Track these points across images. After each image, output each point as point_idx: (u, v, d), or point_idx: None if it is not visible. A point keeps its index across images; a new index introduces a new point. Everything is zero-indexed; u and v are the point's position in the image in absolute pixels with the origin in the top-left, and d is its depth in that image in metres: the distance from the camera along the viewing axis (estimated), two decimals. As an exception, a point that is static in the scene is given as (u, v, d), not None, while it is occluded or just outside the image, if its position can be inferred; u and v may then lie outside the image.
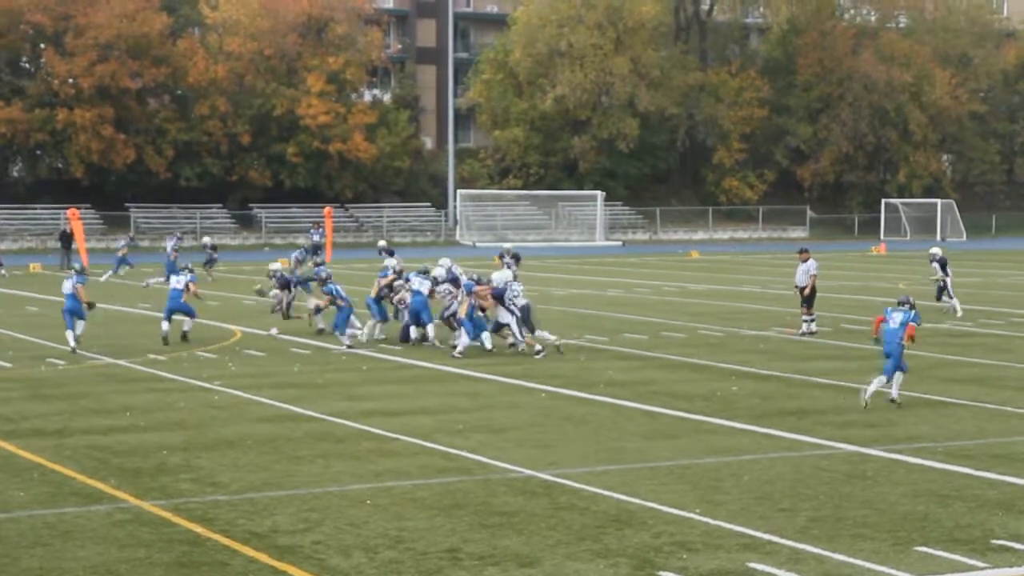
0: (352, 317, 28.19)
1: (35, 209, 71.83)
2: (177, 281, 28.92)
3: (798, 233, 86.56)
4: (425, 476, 15.48)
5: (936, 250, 35.42)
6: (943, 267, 34.45)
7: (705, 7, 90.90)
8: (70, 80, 72.48)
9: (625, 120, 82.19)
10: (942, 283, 34.52)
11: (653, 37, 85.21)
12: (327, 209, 63.94)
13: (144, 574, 11.77)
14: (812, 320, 29.99)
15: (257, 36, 77.15)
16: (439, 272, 28.36)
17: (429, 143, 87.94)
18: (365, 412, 19.75)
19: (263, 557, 12.21)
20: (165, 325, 28.20)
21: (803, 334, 29.70)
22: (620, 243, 79.64)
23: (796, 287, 30.56)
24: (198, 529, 13.15)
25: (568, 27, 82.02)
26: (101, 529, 13.16)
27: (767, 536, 12.82)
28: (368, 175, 79.42)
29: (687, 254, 66.95)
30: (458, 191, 79.90)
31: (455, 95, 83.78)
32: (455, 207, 79.58)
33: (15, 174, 76.23)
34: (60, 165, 74.61)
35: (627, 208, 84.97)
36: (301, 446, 17.25)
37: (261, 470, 15.84)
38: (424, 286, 27.65)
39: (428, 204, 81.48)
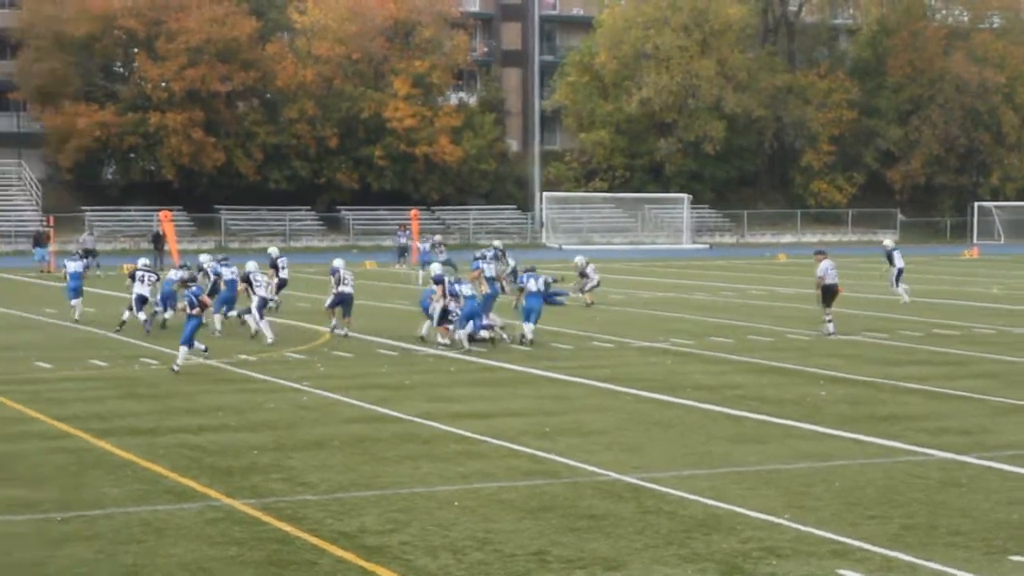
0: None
1: (128, 211, 72.91)
2: (76, 265, 33.56)
3: (888, 236, 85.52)
4: (512, 478, 15.49)
5: (888, 242, 40.16)
6: (890, 259, 38.26)
7: (793, 8, 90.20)
8: (162, 84, 73.54)
9: (711, 122, 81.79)
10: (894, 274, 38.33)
11: (740, 39, 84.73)
12: (413, 211, 64.27)
13: (235, 572, 11.90)
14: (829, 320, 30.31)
15: (345, 40, 77.74)
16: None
17: (514, 146, 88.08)
18: (452, 414, 19.82)
19: (351, 557, 12.29)
20: (74, 301, 33.07)
21: (829, 334, 29.81)
22: (707, 246, 79.25)
23: (825, 285, 30.24)
24: (287, 528, 13.27)
25: (654, 29, 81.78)
26: (194, 527, 13.32)
27: (858, 543, 12.69)
28: (454, 178, 79.73)
29: (774, 257, 66.48)
30: (543, 194, 79.95)
31: (540, 97, 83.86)
32: (540, 209, 79.63)
33: (109, 176, 77.46)
34: (152, 168, 75.69)
35: (713, 211, 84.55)
36: (389, 447, 17.34)
37: (349, 471, 15.94)
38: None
39: (514, 206, 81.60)
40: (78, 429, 18.51)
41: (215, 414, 19.84)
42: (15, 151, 76.59)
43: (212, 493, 14.74)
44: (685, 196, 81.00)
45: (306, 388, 22.34)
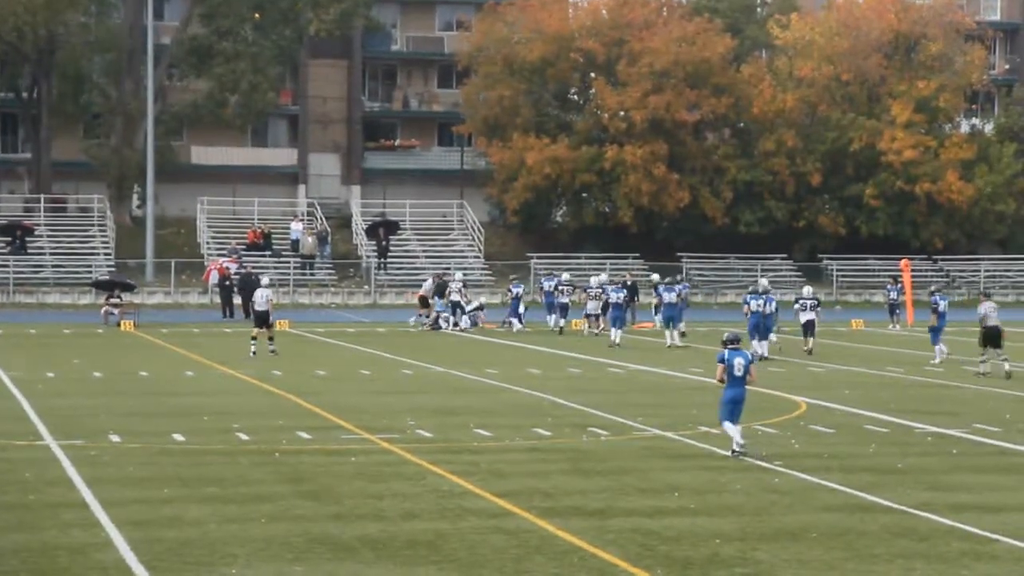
0: None
1: (578, 258, 74.73)
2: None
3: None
4: (1028, 588, 14.97)
5: (808, 289, 45.37)
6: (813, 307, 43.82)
7: None
8: (620, 113, 75.38)
9: None
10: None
11: None
12: (903, 261, 63.08)
13: None
14: None
15: (834, 59, 77.48)
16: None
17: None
18: (955, 505, 19.34)
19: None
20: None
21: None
22: None
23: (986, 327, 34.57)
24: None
25: None
26: (645, 625, 13.56)
27: None
28: (962, 221, 77.85)
29: None
30: (1078, 240, 76.92)
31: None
32: (1072, 259, 76.60)
33: (558, 219, 79.89)
34: (606, 209, 77.50)
35: None
36: (877, 542, 17.11)
37: (829, 569, 15.82)
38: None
39: (1038, 256, 78.88)
40: (519, 507, 19.19)
41: (671, 495, 20.13)
42: (457, 191, 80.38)
43: (667, 586, 14.97)
44: None
45: (778, 468, 22.32)
